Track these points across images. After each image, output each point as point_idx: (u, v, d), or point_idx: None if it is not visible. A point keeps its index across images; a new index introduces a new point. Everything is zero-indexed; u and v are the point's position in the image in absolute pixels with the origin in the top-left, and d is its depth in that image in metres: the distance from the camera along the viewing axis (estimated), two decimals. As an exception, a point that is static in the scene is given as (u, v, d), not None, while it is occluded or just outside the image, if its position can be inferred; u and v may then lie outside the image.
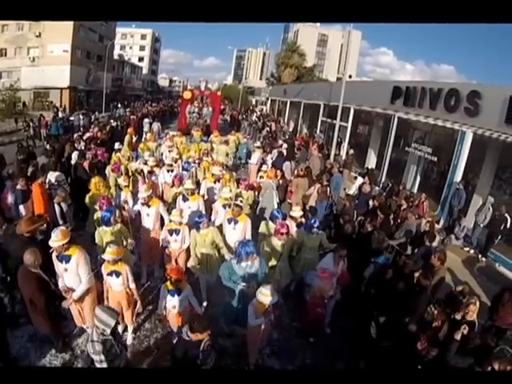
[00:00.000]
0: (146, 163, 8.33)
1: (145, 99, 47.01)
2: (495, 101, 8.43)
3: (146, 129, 17.77)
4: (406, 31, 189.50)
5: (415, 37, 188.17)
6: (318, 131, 20.14)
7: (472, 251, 8.65)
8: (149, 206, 5.65)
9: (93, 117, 22.23)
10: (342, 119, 15.30)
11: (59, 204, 6.07)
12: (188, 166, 8.57)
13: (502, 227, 8.08)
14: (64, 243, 3.87)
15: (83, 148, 10.41)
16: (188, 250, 5.33)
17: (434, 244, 6.14)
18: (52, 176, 7.30)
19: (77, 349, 4.39)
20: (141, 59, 60.70)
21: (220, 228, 5.58)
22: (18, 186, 6.44)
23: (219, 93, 22.65)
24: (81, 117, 20.95)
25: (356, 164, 15.40)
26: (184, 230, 5.30)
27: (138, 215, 5.94)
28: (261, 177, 8.87)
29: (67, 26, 30.06)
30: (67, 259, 3.95)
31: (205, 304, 5.29)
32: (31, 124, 17.41)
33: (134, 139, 12.66)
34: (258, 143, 13.81)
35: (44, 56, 31.46)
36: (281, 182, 8.71)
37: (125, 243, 5.01)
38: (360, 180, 10.85)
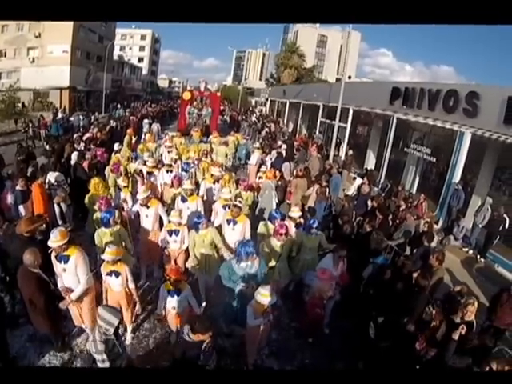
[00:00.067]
0: (145, 164, 8.34)
1: (144, 100, 46.98)
2: (494, 101, 8.45)
3: (145, 129, 17.77)
4: (405, 32, 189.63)
5: (415, 38, 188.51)
6: (317, 132, 20.16)
7: (471, 252, 8.67)
8: (148, 207, 5.66)
9: (92, 117, 22.18)
10: (341, 120, 15.34)
11: (59, 204, 6.08)
12: (187, 167, 8.58)
13: (501, 228, 8.09)
14: (63, 244, 3.87)
15: (83, 148, 10.41)
16: (187, 250, 5.34)
17: (433, 244, 6.15)
18: (52, 176, 7.30)
19: (76, 348, 4.40)
20: (140, 60, 60.67)
21: (219, 229, 5.59)
22: (18, 187, 6.45)
23: (219, 93, 22.64)
24: (80, 117, 20.93)
25: (355, 165, 15.42)
26: (183, 230, 5.30)
27: (136, 216, 5.95)
28: (260, 177, 8.88)
29: (67, 27, 30.05)
30: (66, 259, 3.95)
31: (204, 304, 5.30)
32: (30, 125, 17.41)
33: (134, 140, 12.67)
34: (258, 144, 13.82)
35: (44, 56, 31.45)
36: (280, 182, 8.73)
37: (124, 244, 5.01)
38: (359, 181, 10.87)
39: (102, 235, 4.87)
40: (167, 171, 7.95)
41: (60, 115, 22.16)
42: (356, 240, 6.13)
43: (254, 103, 50.70)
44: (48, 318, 3.91)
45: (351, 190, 10.88)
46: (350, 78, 20.75)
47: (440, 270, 5.17)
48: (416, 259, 5.72)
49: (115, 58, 45.92)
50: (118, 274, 4.18)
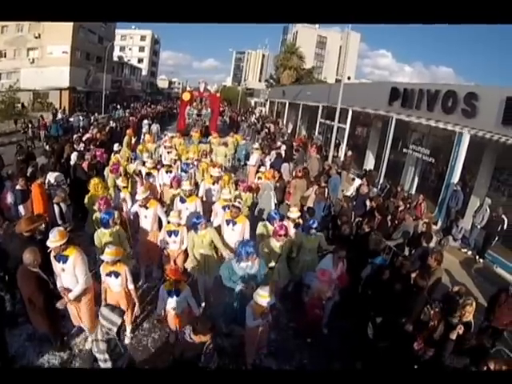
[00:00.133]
0: (143, 164, 8.34)
1: (144, 101, 47.06)
2: (492, 102, 8.47)
3: (144, 130, 17.78)
4: (404, 33, 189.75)
5: (414, 39, 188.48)
6: (316, 133, 20.19)
7: (469, 252, 8.68)
8: (146, 208, 5.66)
9: (92, 118, 22.19)
10: (340, 121, 15.35)
11: (58, 204, 6.09)
12: (187, 168, 8.58)
13: (499, 228, 8.10)
14: (61, 244, 3.88)
15: (82, 149, 10.41)
16: (186, 251, 5.34)
17: (431, 245, 6.16)
18: (51, 176, 7.32)
19: (75, 348, 4.41)
20: (140, 61, 60.69)
21: (218, 229, 5.60)
22: (18, 187, 6.46)
23: (218, 94, 22.71)
24: (80, 118, 20.95)
25: (354, 165, 15.45)
26: (183, 231, 5.31)
27: (136, 216, 5.96)
28: (259, 178, 8.89)
29: (67, 28, 30.07)
30: (64, 259, 3.96)
31: (203, 305, 5.31)
32: (30, 125, 17.42)
33: (133, 140, 12.68)
34: (257, 145, 13.83)
35: (43, 57, 31.45)
36: (279, 183, 8.74)
37: (123, 245, 5.02)
38: (358, 181, 10.89)
39: (102, 236, 4.87)
40: (167, 172, 7.96)
41: (60, 116, 22.20)
42: (355, 240, 6.14)
43: (253, 104, 50.82)
44: (47, 318, 3.92)
45: (350, 191, 10.89)
46: (349, 78, 20.79)
47: (438, 271, 5.19)
48: (414, 260, 5.74)
49: (115, 58, 45.91)
50: (117, 275, 4.19)
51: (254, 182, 8.95)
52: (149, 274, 6.02)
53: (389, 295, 4.39)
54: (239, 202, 6.17)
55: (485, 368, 3.14)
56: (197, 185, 8.05)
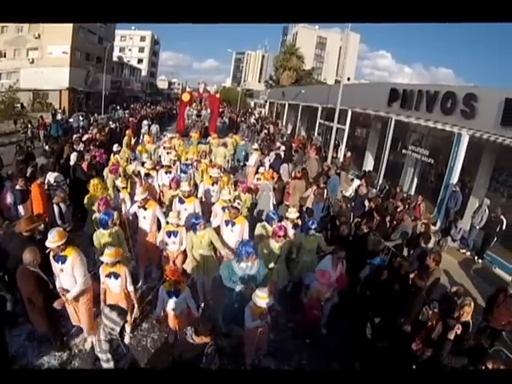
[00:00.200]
0: (142, 165, 8.35)
1: (144, 101, 47.03)
2: (491, 103, 8.50)
3: (144, 131, 17.79)
4: (404, 34, 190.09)
5: (414, 40, 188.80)
6: (315, 134, 20.21)
7: (468, 253, 8.69)
8: (145, 209, 5.66)
9: (92, 118, 22.19)
10: (339, 122, 15.38)
11: (58, 204, 6.09)
12: (186, 168, 8.58)
13: (498, 229, 8.12)
14: (60, 244, 3.88)
15: (82, 149, 10.41)
16: (185, 251, 5.34)
17: (430, 245, 6.18)
18: (51, 177, 7.32)
19: (74, 348, 4.41)
20: (140, 61, 60.69)
21: (217, 230, 5.60)
22: (17, 187, 6.45)
23: (218, 95, 22.72)
24: (80, 118, 20.93)
25: (353, 166, 15.47)
26: (182, 231, 5.32)
27: (134, 217, 5.96)
28: (258, 179, 8.90)
29: (66, 28, 30.10)
30: (63, 260, 3.96)
31: (202, 305, 5.32)
32: (30, 125, 17.41)
33: (133, 141, 12.68)
34: (256, 145, 13.86)
35: (43, 57, 31.47)
36: (278, 183, 8.75)
37: (122, 246, 5.02)
38: (357, 182, 10.91)
39: (101, 236, 4.87)
40: (166, 172, 7.96)
41: (59, 116, 22.18)
42: (353, 241, 6.15)
43: (252, 105, 50.84)
44: (47, 317, 3.92)
45: (349, 192, 10.91)
46: (349, 79, 20.83)
47: (437, 271, 5.20)
48: (413, 260, 5.75)
49: (115, 59, 45.92)
50: (117, 276, 4.19)
51: (253, 183, 8.96)
52: (148, 274, 6.02)
53: (387, 295, 4.40)
54: (238, 203, 6.18)
55: (483, 368, 3.16)
56: (196, 185, 8.05)
